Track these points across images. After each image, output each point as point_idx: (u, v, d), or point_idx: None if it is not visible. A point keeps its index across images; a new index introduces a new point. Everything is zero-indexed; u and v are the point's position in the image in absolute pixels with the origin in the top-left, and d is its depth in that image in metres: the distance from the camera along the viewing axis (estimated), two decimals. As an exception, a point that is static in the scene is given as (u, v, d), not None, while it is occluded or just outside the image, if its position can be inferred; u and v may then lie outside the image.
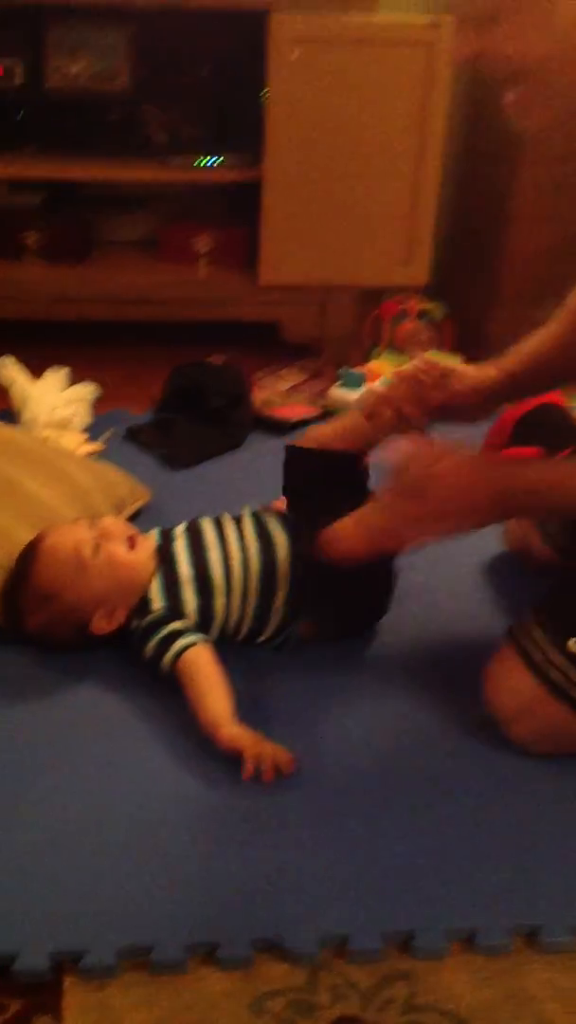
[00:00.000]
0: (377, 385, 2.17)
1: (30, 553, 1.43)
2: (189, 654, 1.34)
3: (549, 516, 1.56)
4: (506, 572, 1.70)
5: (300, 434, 2.08)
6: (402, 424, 1.50)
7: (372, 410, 1.52)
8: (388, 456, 1.39)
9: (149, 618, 1.39)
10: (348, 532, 1.37)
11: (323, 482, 1.51)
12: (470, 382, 1.51)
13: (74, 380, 2.08)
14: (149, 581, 1.41)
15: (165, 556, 1.44)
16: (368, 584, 1.46)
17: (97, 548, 1.40)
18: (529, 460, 1.49)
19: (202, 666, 1.34)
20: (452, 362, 2.25)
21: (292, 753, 1.26)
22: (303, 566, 1.43)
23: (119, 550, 1.41)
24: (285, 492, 1.56)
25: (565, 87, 1.18)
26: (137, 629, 1.40)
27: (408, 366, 1.56)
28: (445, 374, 1.53)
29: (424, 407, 1.50)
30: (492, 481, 1.33)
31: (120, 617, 1.40)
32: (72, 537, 1.41)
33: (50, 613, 1.40)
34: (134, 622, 1.41)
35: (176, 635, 1.37)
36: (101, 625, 1.40)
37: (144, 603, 1.40)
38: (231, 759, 1.26)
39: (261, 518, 1.49)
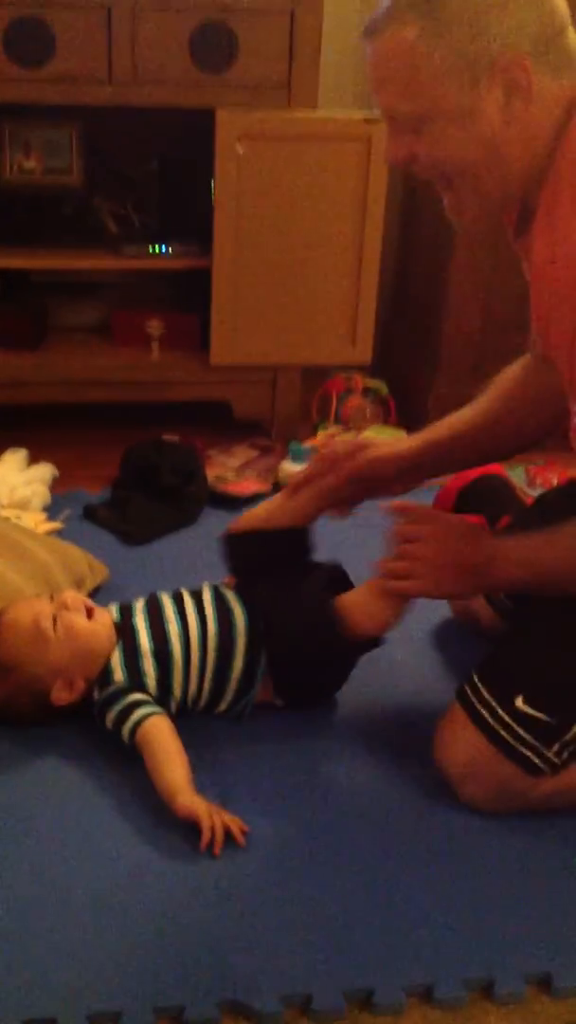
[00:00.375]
0: (288, 464, 2.26)
1: None
2: (147, 725, 1.39)
3: (529, 592, 1.50)
4: (453, 636, 1.77)
5: (241, 514, 2.17)
6: (326, 498, 1.56)
7: (293, 487, 1.58)
8: (384, 509, 1.47)
9: (110, 689, 1.44)
10: (364, 609, 1.44)
11: (267, 561, 1.56)
12: (385, 452, 1.57)
13: (31, 461, 2.14)
14: (109, 651, 1.46)
15: (126, 629, 1.49)
16: (327, 661, 1.52)
17: (56, 619, 1.45)
18: (514, 532, 1.53)
19: (159, 737, 1.38)
20: (376, 435, 2.35)
21: (245, 824, 1.30)
22: (263, 643, 1.48)
23: (78, 619, 1.46)
24: (233, 573, 1.61)
25: (492, 187, 1.27)
26: (98, 700, 1.44)
27: (317, 441, 1.63)
28: (358, 446, 1.59)
29: (340, 478, 1.55)
30: (480, 549, 1.40)
31: (80, 687, 1.44)
32: (32, 610, 1.46)
33: (10, 685, 1.44)
34: (96, 693, 1.45)
35: (135, 706, 1.41)
36: (61, 695, 1.44)
37: (106, 674, 1.45)
38: (190, 827, 1.30)
39: (220, 592, 1.55)
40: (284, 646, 1.48)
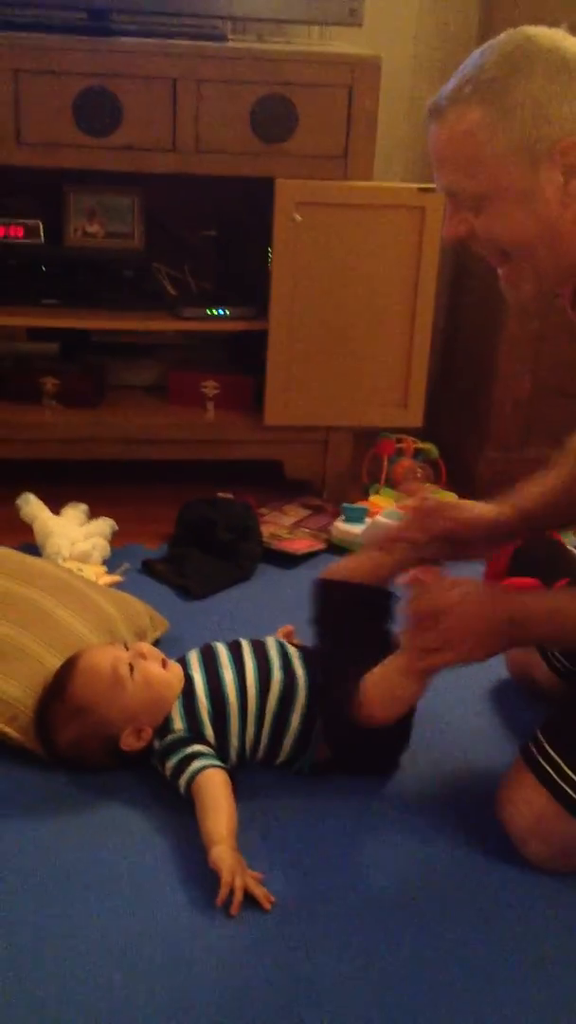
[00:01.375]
0: (382, 518, 2.27)
1: (68, 668, 1.50)
2: (201, 777, 1.40)
3: (558, 645, 1.62)
4: (511, 698, 1.77)
5: (311, 567, 2.19)
6: (416, 555, 1.58)
7: (386, 543, 1.61)
8: (401, 583, 1.48)
9: (169, 738, 1.45)
10: (374, 699, 1.42)
11: (352, 614, 1.58)
12: (477, 514, 1.60)
13: (91, 516, 2.18)
14: (175, 700, 1.48)
15: (184, 683, 1.51)
16: (385, 737, 1.50)
17: (132, 667, 1.47)
18: (534, 590, 1.56)
19: (209, 788, 1.39)
20: (453, 498, 2.37)
21: (272, 896, 1.29)
22: (321, 706, 1.49)
23: (154, 668, 1.48)
24: (314, 622, 1.61)
25: (549, 264, 1.32)
26: (158, 749, 1.46)
27: (412, 499, 1.66)
28: (449, 506, 1.62)
29: (430, 534, 1.58)
30: (501, 610, 1.41)
31: (147, 736, 1.46)
32: (110, 655, 1.49)
33: (82, 727, 1.46)
34: (156, 741, 1.47)
35: (193, 757, 1.43)
36: (130, 742, 1.46)
37: (166, 723, 1.47)
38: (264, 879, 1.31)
39: (284, 646, 1.56)
40: (330, 733, 1.49)
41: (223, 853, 1.30)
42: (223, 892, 1.26)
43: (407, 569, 1.56)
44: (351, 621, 1.57)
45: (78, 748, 1.48)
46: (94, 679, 1.47)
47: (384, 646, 1.50)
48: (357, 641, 1.52)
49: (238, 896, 1.26)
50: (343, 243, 2.37)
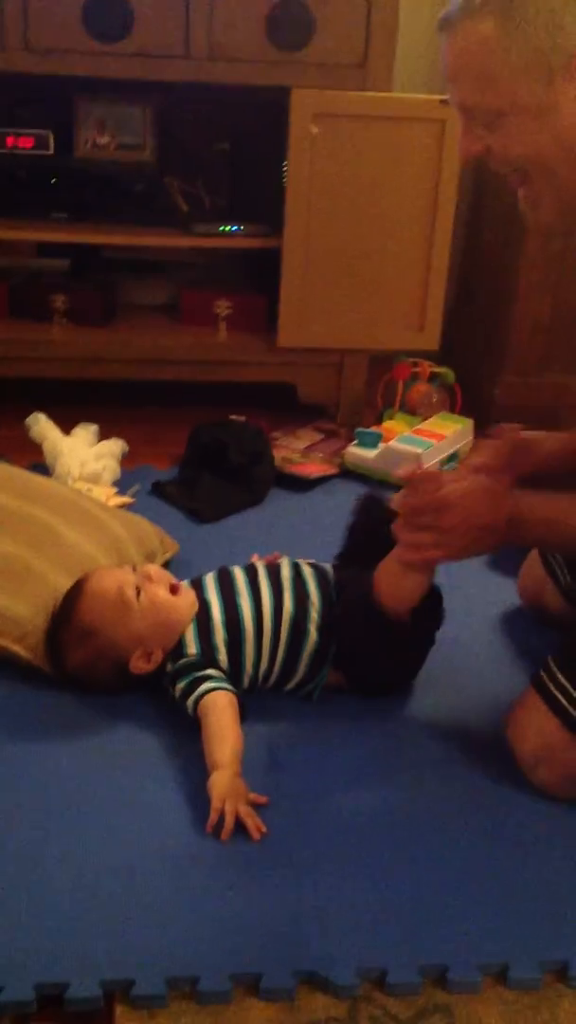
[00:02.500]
0: (396, 443, 2.24)
1: (75, 592, 1.49)
2: (207, 699, 1.39)
3: (554, 550, 1.59)
4: (521, 624, 1.75)
5: (324, 491, 2.17)
6: None
7: (468, 469, 1.50)
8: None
9: (182, 662, 1.45)
10: (382, 588, 1.41)
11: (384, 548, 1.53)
12: (556, 446, 1.53)
13: (101, 437, 2.15)
14: (187, 625, 1.47)
15: (199, 603, 1.49)
16: (402, 649, 1.50)
17: (140, 590, 1.46)
18: (540, 491, 1.47)
19: (216, 711, 1.38)
20: (442, 422, 2.33)
21: (264, 826, 1.27)
22: (340, 622, 1.48)
23: (160, 592, 1.47)
24: (350, 533, 1.59)
25: (568, 182, 1.26)
26: (170, 672, 1.45)
27: (495, 437, 1.55)
28: (533, 441, 1.53)
29: (521, 476, 1.48)
30: (502, 510, 1.37)
31: (158, 658, 1.45)
32: (116, 578, 1.48)
33: (90, 650, 1.45)
34: (168, 665, 1.46)
35: (202, 680, 1.42)
36: (139, 665, 1.45)
37: (179, 647, 1.46)
38: (272, 799, 1.32)
39: (299, 568, 1.55)
40: (345, 630, 1.48)
41: (218, 778, 1.30)
42: (212, 817, 1.26)
43: None
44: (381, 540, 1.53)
45: (87, 670, 1.47)
46: (100, 603, 1.46)
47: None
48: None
49: (228, 822, 1.26)
50: (361, 157, 2.30)
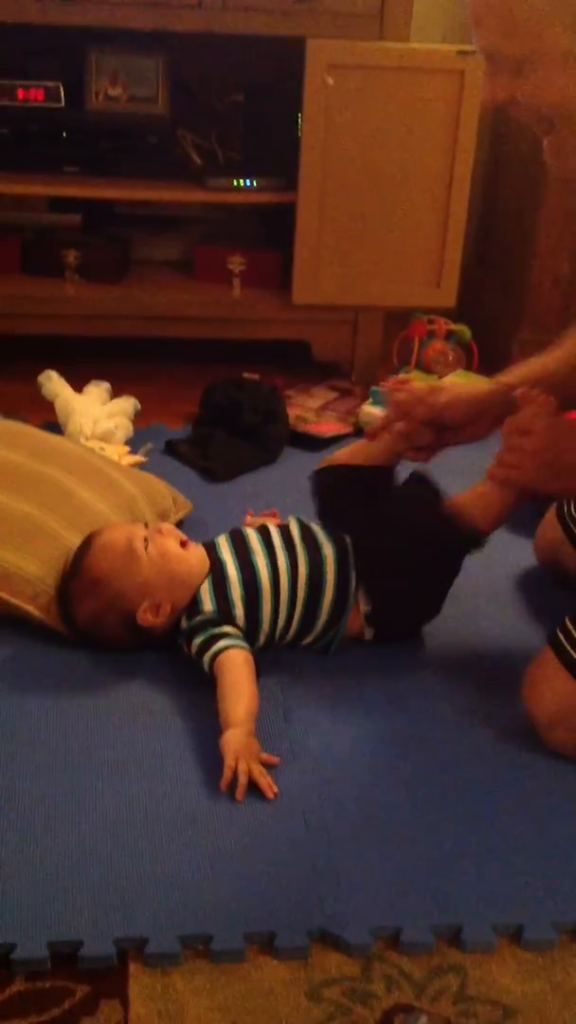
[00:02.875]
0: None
1: (84, 545, 1.49)
2: (223, 656, 1.39)
3: None
4: (539, 585, 1.74)
5: (322, 455, 2.15)
6: (402, 443, 1.56)
7: (371, 432, 1.59)
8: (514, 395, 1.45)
9: (198, 619, 1.44)
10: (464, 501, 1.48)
11: (352, 494, 1.57)
12: (456, 395, 1.55)
13: (113, 395, 2.13)
14: (199, 582, 1.46)
15: (213, 562, 1.48)
16: (426, 576, 1.51)
17: (149, 542, 1.46)
18: None
19: (231, 669, 1.37)
20: (458, 380, 2.30)
21: (276, 785, 1.27)
22: (351, 575, 1.48)
23: (170, 544, 1.47)
24: (320, 514, 1.60)
25: None
26: (185, 629, 1.45)
27: (384, 387, 1.62)
28: (432, 390, 1.56)
29: (413, 423, 1.54)
30: None
31: (166, 612, 1.44)
32: (126, 531, 1.48)
33: (98, 600, 1.45)
34: (184, 622, 1.45)
35: (218, 637, 1.41)
36: (146, 617, 1.44)
37: (195, 604, 1.45)
38: (281, 759, 1.31)
39: (307, 525, 1.54)
40: (389, 558, 1.48)
41: (231, 737, 1.29)
42: (226, 776, 1.26)
43: (401, 454, 1.57)
44: (355, 498, 1.56)
45: (96, 622, 1.47)
46: (108, 552, 1.46)
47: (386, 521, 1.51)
48: (374, 505, 1.52)
49: (242, 781, 1.25)
50: (377, 109, 2.25)
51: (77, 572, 1.47)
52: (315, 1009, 1.04)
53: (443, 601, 1.55)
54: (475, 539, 1.50)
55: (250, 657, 1.40)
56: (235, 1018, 1.02)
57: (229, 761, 1.27)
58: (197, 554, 1.48)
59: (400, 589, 1.50)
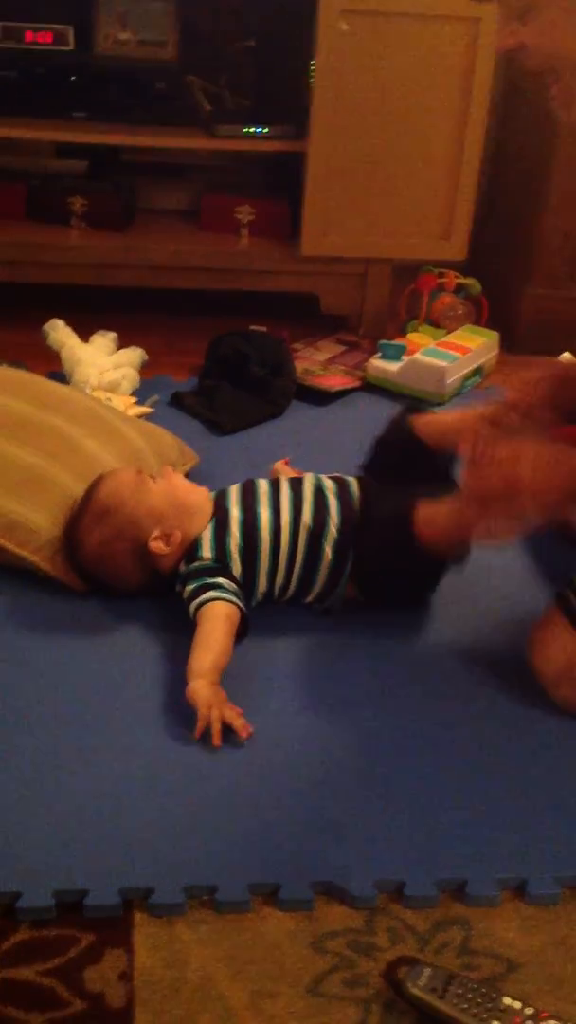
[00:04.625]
0: (420, 356, 2.19)
1: (93, 485, 1.50)
2: (207, 607, 1.39)
3: None
4: (546, 543, 1.72)
5: (345, 404, 2.14)
6: (528, 428, 1.46)
7: (497, 416, 1.48)
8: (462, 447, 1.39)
9: (196, 564, 1.44)
10: (437, 517, 1.38)
11: (406, 461, 1.54)
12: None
13: (119, 346, 2.11)
14: (207, 519, 1.47)
15: (219, 510, 1.48)
16: (423, 559, 1.47)
17: (157, 477, 1.50)
18: None
19: (209, 621, 1.37)
20: (467, 335, 2.26)
21: (252, 724, 1.28)
22: (364, 532, 1.46)
23: (178, 479, 1.52)
24: (374, 452, 1.58)
25: None
26: (183, 572, 1.45)
27: (544, 369, 1.50)
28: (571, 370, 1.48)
29: (562, 410, 1.45)
30: (568, 466, 1.31)
31: (176, 541, 1.44)
32: (134, 468, 1.52)
33: (109, 528, 1.45)
34: (182, 565, 1.45)
35: (209, 587, 1.41)
36: (158, 546, 1.44)
37: (195, 548, 1.45)
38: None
39: (321, 482, 1.52)
40: (370, 542, 1.45)
41: (198, 687, 1.29)
42: (199, 725, 1.26)
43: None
44: (405, 467, 1.53)
45: (105, 554, 1.46)
46: (119, 482, 1.48)
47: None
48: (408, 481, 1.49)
49: (216, 727, 1.26)
50: (391, 57, 2.21)
51: (86, 509, 1.47)
52: (319, 960, 1.05)
53: (435, 584, 1.53)
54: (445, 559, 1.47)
55: (234, 613, 1.39)
56: (239, 968, 1.03)
57: (202, 710, 1.27)
58: (203, 492, 1.50)
59: (378, 566, 1.47)
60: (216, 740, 1.25)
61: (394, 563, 1.45)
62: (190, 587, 1.42)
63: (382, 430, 1.60)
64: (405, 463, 1.53)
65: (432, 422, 1.57)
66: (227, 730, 1.27)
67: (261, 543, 1.45)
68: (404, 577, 1.49)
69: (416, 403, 1.61)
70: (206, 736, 1.27)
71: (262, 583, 1.46)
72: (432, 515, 1.38)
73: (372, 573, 1.48)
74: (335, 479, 1.54)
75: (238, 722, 1.27)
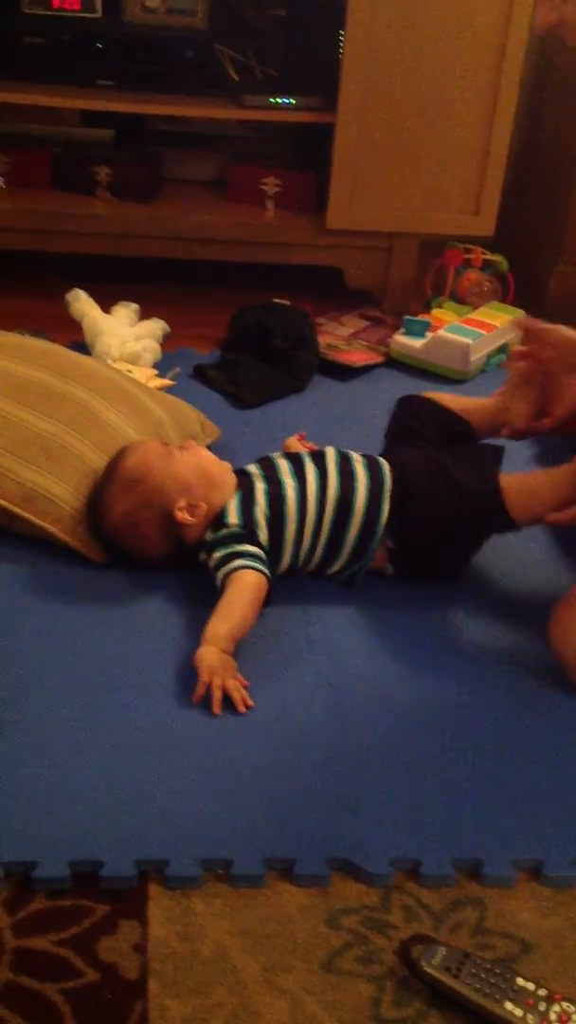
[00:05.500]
0: (444, 333, 2.17)
1: (118, 455, 1.50)
2: (235, 575, 1.38)
3: None
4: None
5: (367, 380, 2.13)
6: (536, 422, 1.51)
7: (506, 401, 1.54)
8: None
9: (223, 532, 1.43)
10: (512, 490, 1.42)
11: (428, 432, 1.58)
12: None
13: (141, 317, 2.10)
14: (231, 490, 1.47)
15: (242, 483, 1.48)
16: (455, 532, 1.48)
17: (182, 449, 1.50)
18: None
19: (234, 588, 1.37)
20: (492, 312, 2.24)
21: (252, 699, 1.29)
22: (380, 508, 1.46)
23: (203, 450, 1.53)
24: (387, 435, 1.61)
25: None
26: (210, 540, 1.44)
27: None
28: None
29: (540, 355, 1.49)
30: None
31: (202, 512, 1.45)
32: (158, 439, 1.54)
33: (136, 496, 1.45)
34: (209, 534, 1.45)
35: (238, 555, 1.40)
36: (184, 516, 1.44)
37: (221, 516, 1.45)
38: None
39: (346, 454, 1.52)
40: (418, 516, 1.46)
41: (205, 653, 1.30)
42: (199, 690, 1.27)
43: (497, 425, 1.54)
44: (420, 434, 1.56)
45: (131, 522, 1.46)
46: (147, 452, 1.49)
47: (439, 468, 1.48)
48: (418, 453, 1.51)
49: (216, 695, 1.27)
50: (421, 28, 2.18)
51: (112, 478, 1.47)
52: (333, 936, 1.04)
53: (467, 561, 1.54)
54: (508, 525, 1.47)
55: (262, 581, 1.38)
56: (253, 942, 1.03)
57: (203, 677, 1.28)
58: (227, 466, 1.51)
59: (427, 536, 1.47)
60: (216, 707, 1.26)
61: (440, 539, 1.46)
62: (217, 554, 1.41)
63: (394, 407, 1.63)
64: (421, 427, 1.57)
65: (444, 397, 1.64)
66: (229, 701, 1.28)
67: (287, 509, 1.45)
68: (447, 551, 1.50)
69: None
70: (224, 706, 1.27)
71: (288, 551, 1.46)
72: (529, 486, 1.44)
73: (415, 547, 1.47)
74: (363, 455, 1.53)
75: (237, 695, 1.28)
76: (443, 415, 1.61)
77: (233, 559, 1.40)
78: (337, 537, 1.46)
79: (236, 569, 1.38)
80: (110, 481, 1.47)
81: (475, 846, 1.14)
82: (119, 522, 1.46)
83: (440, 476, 1.46)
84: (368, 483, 1.47)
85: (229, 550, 1.41)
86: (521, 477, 1.48)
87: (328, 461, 1.50)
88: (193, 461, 1.48)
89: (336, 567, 1.49)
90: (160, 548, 1.48)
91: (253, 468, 1.51)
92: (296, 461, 1.50)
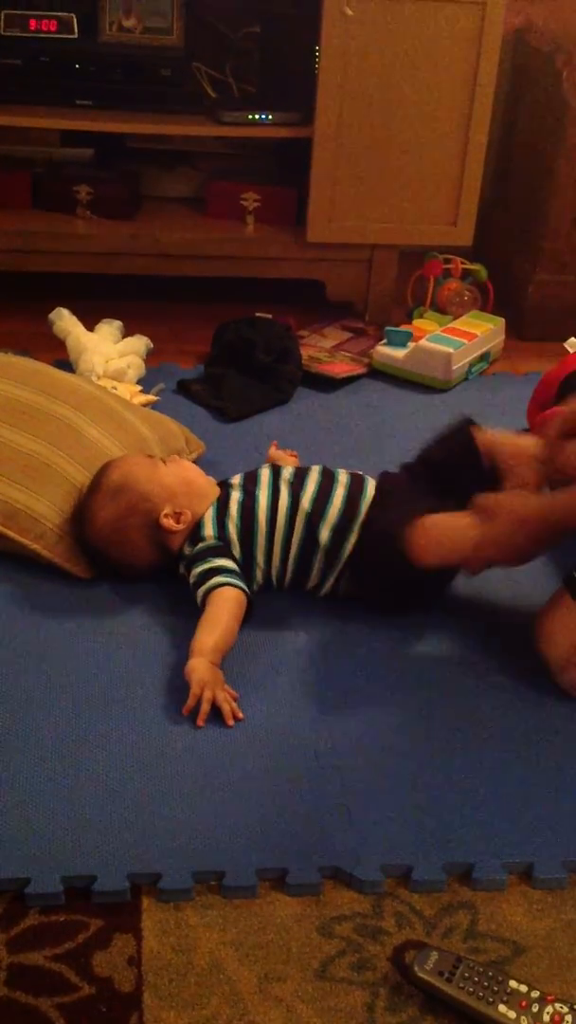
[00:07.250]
0: (426, 343, 2.18)
1: (104, 467, 1.52)
2: (215, 593, 1.40)
3: None
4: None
5: (350, 391, 2.14)
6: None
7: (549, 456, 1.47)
8: None
9: (200, 545, 1.45)
10: (425, 534, 1.37)
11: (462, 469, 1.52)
12: None
13: (125, 334, 2.11)
14: (213, 500, 1.49)
15: (222, 493, 1.50)
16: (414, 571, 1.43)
17: (165, 461, 1.54)
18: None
19: (217, 604, 1.39)
20: (473, 321, 2.24)
21: (241, 712, 1.30)
22: (353, 525, 1.46)
23: (186, 462, 1.57)
24: (427, 453, 1.57)
25: None
26: (188, 555, 1.46)
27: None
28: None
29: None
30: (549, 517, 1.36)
31: (186, 520, 1.46)
32: (143, 453, 1.57)
33: (122, 504, 1.47)
34: (187, 548, 1.46)
35: (218, 572, 1.42)
36: (169, 523, 1.46)
37: (198, 528, 1.47)
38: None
39: (332, 472, 1.53)
40: (369, 545, 1.46)
41: (196, 665, 1.31)
42: (189, 702, 1.28)
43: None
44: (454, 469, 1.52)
45: (119, 526, 1.47)
46: (132, 463, 1.53)
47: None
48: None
49: (204, 708, 1.28)
50: (396, 41, 2.20)
51: (99, 486, 1.49)
52: (326, 944, 1.05)
53: (433, 596, 1.52)
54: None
55: (242, 597, 1.40)
56: (247, 952, 1.03)
57: (195, 689, 1.29)
58: (211, 479, 1.54)
59: (374, 571, 1.46)
60: (200, 720, 1.27)
61: (386, 571, 1.44)
62: (197, 570, 1.43)
63: (441, 433, 1.56)
64: (454, 471, 1.51)
65: (492, 439, 1.52)
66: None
67: (257, 524, 1.46)
68: (397, 584, 1.47)
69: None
70: (213, 718, 1.28)
71: (260, 565, 1.47)
72: (435, 530, 1.38)
73: (366, 576, 1.47)
74: (352, 474, 1.54)
75: (226, 707, 1.29)
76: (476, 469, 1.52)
77: (212, 575, 1.41)
78: (306, 553, 1.47)
79: (216, 587, 1.40)
80: (97, 489, 1.49)
81: (466, 850, 1.15)
82: (106, 530, 1.47)
83: (391, 516, 1.43)
84: (343, 504, 1.47)
85: (208, 565, 1.42)
86: (440, 518, 1.40)
87: (309, 478, 1.51)
88: (177, 471, 1.52)
89: (310, 584, 1.50)
90: (146, 556, 1.48)
91: (235, 479, 1.53)
92: (276, 475, 1.52)
